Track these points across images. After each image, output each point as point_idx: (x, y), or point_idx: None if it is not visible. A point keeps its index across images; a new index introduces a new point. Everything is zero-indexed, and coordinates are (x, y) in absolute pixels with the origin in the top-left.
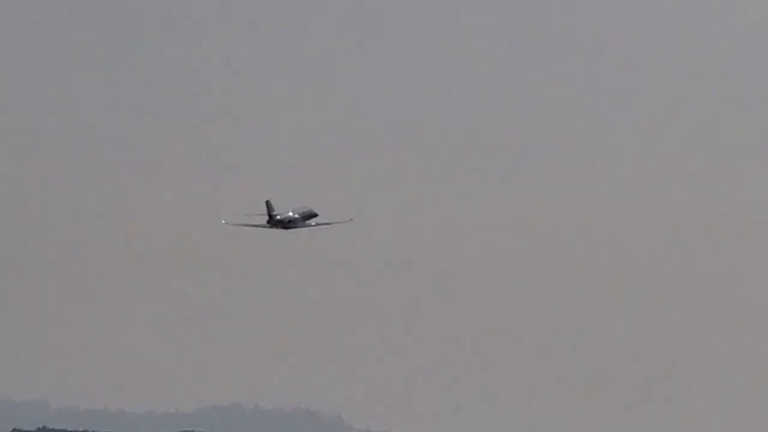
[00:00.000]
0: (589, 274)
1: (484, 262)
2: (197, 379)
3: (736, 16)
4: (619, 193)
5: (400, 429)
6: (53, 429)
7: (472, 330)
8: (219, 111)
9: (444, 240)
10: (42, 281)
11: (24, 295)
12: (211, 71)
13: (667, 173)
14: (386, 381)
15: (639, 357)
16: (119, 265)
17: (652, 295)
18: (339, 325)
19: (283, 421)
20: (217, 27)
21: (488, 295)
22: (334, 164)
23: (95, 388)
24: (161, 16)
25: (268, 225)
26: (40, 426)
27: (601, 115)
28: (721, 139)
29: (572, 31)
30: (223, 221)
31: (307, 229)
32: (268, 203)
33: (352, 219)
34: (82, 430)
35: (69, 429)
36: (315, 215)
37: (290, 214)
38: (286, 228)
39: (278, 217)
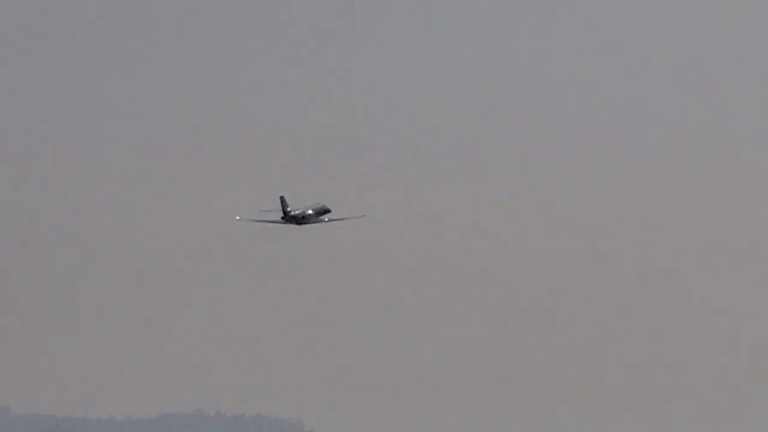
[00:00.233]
0: (599, 274)
1: (484, 262)
2: (159, 385)
3: (736, 16)
4: (648, 197)
5: None
6: None
7: (441, 335)
8: (235, 106)
9: (445, 239)
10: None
11: None
12: (227, 65)
13: (669, 173)
14: (347, 386)
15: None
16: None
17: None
18: (300, 330)
19: (245, 427)
20: (234, 22)
21: (478, 299)
22: (348, 161)
23: (57, 394)
24: (183, 7)
25: (283, 221)
26: None
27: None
28: (722, 139)
29: (573, 31)
30: (238, 217)
31: (319, 224)
32: (282, 199)
33: (364, 215)
34: None
35: None
36: (328, 211)
37: (305, 210)
38: (299, 224)
39: (292, 212)
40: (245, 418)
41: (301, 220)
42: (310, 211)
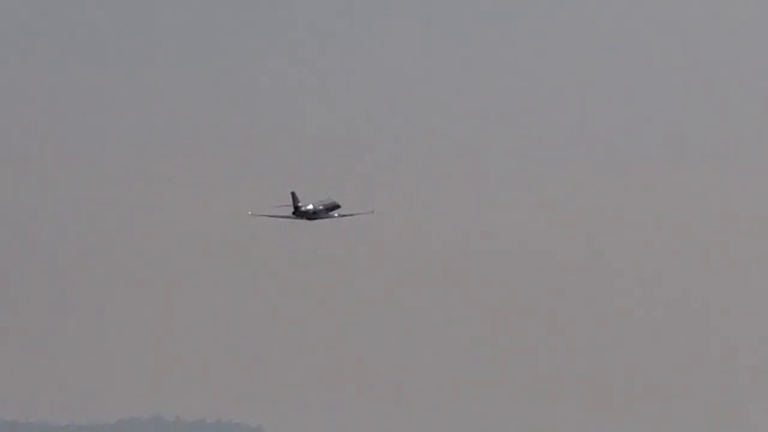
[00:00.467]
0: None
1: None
2: (118, 390)
3: (736, 16)
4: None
5: None
6: None
7: (408, 335)
8: (246, 102)
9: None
10: None
11: None
12: (228, 65)
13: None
14: (308, 392)
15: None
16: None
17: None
18: (262, 334)
19: None
20: (235, 22)
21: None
22: (348, 161)
23: (17, 399)
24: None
25: (294, 216)
26: None
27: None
28: (722, 139)
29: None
30: (250, 212)
31: (330, 219)
32: (293, 195)
33: (373, 211)
34: None
35: None
36: (338, 207)
37: (316, 206)
38: (310, 219)
39: (303, 208)
40: (205, 424)
41: (311, 215)
42: (321, 207)
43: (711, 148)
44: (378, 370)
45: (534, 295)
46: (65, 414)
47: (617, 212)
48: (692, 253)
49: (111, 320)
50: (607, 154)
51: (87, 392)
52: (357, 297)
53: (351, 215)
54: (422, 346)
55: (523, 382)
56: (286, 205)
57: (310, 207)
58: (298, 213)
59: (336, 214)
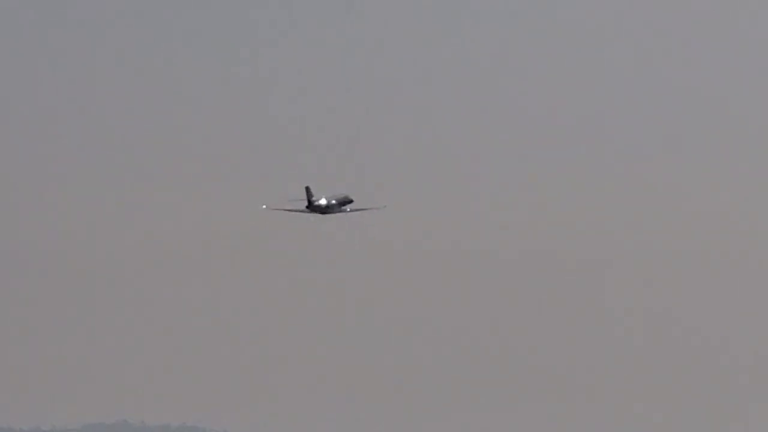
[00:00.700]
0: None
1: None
2: (83, 395)
3: (737, 16)
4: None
5: None
6: None
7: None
8: (261, 98)
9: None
10: None
11: None
12: (249, 56)
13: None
14: (273, 396)
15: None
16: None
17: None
18: (228, 336)
19: None
20: (263, 14)
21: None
22: (370, 153)
23: None
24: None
25: (307, 210)
26: None
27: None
28: (722, 139)
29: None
30: (264, 206)
31: (342, 214)
32: (307, 189)
33: (386, 206)
34: None
35: None
36: (350, 201)
37: (329, 200)
38: (323, 213)
39: (316, 202)
40: (170, 428)
41: (324, 209)
42: (334, 201)
43: (711, 148)
44: (366, 370)
45: (535, 296)
46: (29, 419)
47: (619, 213)
48: (692, 254)
49: (76, 324)
50: (608, 154)
51: (51, 397)
52: (353, 297)
53: (363, 210)
54: (423, 346)
55: (526, 381)
56: (300, 200)
57: (323, 201)
58: (312, 207)
59: (348, 209)
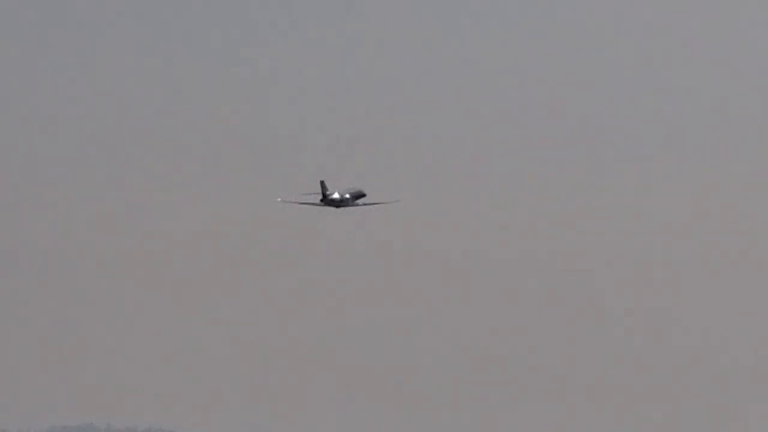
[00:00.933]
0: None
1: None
2: (48, 398)
3: (737, 16)
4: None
5: None
6: None
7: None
8: (261, 98)
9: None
10: None
11: None
12: (264, 50)
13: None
14: (244, 399)
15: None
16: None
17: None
18: (192, 338)
19: None
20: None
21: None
22: (370, 153)
23: None
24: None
25: (322, 203)
26: None
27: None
28: (723, 139)
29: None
30: (279, 199)
31: (356, 207)
32: (322, 183)
33: (399, 200)
34: None
35: None
36: (363, 195)
37: (343, 194)
38: (338, 207)
39: (330, 196)
40: (137, 431)
41: (339, 203)
42: (348, 195)
43: (711, 148)
44: (366, 370)
45: (536, 296)
46: None
47: (617, 213)
48: (692, 254)
49: (41, 325)
50: (609, 154)
51: (17, 399)
52: (352, 297)
53: (376, 204)
54: (423, 346)
55: (526, 381)
56: (315, 193)
57: (337, 195)
58: (326, 201)
59: (360, 203)
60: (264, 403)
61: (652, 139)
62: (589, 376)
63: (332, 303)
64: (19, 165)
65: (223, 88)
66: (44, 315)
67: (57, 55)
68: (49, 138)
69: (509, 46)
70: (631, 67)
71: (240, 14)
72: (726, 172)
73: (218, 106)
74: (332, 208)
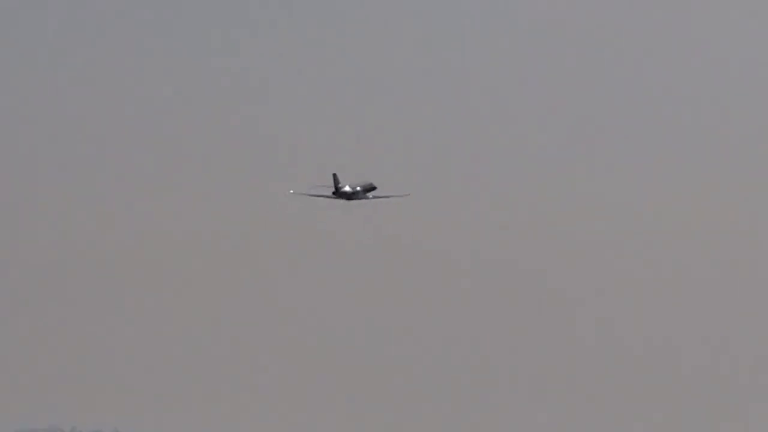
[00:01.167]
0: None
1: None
2: (13, 401)
3: (736, 16)
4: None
5: None
6: None
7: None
8: (260, 98)
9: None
10: None
11: None
12: (275, 47)
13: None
14: (208, 400)
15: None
16: None
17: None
18: (158, 341)
19: None
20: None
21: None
22: (370, 153)
23: None
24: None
25: (334, 196)
26: None
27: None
28: (723, 139)
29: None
30: (291, 191)
31: (367, 200)
32: (334, 176)
33: (409, 194)
34: None
35: None
36: (374, 188)
37: (355, 187)
38: (349, 199)
39: (343, 189)
40: None
41: (350, 195)
42: (359, 188)
43: (711, 149)
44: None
45: (536, 296)
46: None
47: (617, 213)
48: (692, 254)
49: (8, 326)
50: (615, 154)
51: None
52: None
53: (387, 197)
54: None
55: (526, 381)
56: (327, 186)
57: (348, 188)
58: (338, 193)
59: (370, 196)
60: (264, 403)
61: (652, 139)
62: (589, 377)
63: (333, 301)
64: (19, 165)
65: (231, 83)
66: (9, 316)
67: (57, 55)
68: (49, 138)
69: (511, 47)
70: (631, 67)
71: (243, 12)
72: (726, 172)
73: (226, 100)
74: (343, 201)
